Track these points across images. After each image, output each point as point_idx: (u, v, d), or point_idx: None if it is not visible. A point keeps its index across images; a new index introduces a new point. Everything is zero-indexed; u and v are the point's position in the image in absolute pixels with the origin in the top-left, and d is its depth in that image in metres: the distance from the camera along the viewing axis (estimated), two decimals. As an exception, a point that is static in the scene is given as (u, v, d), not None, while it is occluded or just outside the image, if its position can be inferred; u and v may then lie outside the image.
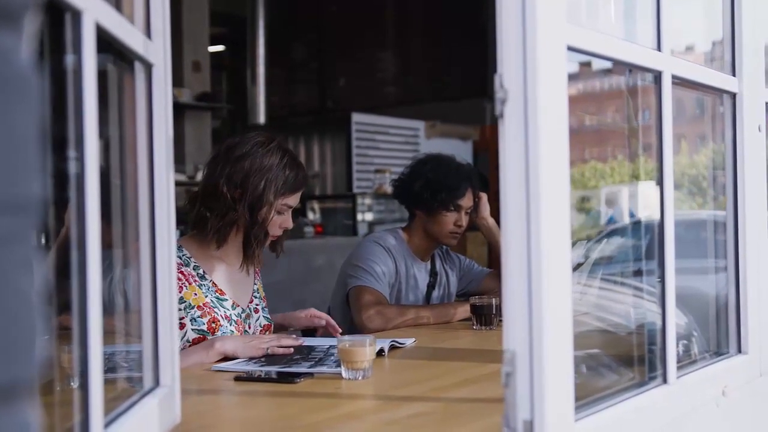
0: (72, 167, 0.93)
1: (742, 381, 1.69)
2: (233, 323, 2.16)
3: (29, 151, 0.53)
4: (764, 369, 1.77)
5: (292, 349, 2.02)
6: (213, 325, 2.11)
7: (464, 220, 2.81)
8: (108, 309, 1.28)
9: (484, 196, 2.90)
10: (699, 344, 1.75)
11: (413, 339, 2.25)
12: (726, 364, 1.69)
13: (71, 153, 0.93)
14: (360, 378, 1.73)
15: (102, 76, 1.02)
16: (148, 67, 1.27)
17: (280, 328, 2.40)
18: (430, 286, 2.90)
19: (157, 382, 1.30)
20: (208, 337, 2.07)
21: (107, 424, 1.02)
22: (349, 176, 7.94)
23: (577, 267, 2.08)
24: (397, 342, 2.15)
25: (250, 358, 1.96)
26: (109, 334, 1.29)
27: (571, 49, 1.16)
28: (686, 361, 1.62)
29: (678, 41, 1.71)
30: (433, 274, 2.91)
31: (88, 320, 0.93)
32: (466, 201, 2.80)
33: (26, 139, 0.53)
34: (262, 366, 1.88)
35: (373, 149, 7.96)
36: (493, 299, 2.48)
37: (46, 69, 0.90)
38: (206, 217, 2.13)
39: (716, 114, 1.80)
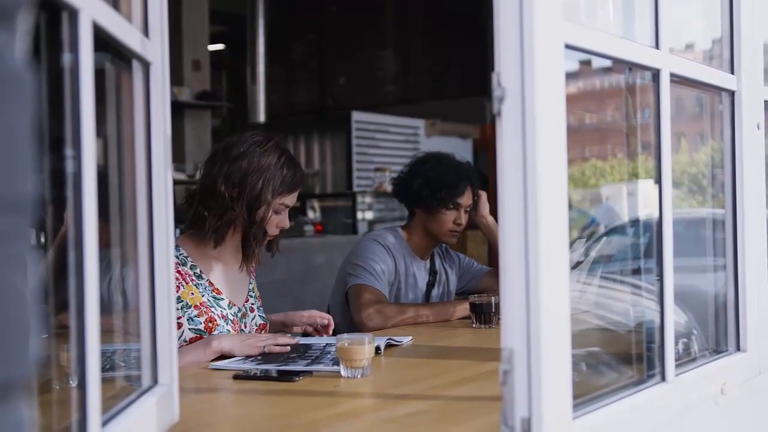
0: (69, 166, 0.93)
1: (740, 379, 1.69)
2: (230, 322, 2.16)
3: (23, 150, 0.53)
4: (763, 367, 1.77)
5: (288, 348, 2.02)
6: (210, 324, 2.11)
7: (464, 219, 2.81)
8: (107, 308, 1.28)
9: (483, 195, 2.90)
10: (699, 342, 1.75)
11: (410, 337, 2.25)
12: (725, 362, 1.69)
13: (69, 152, 0.93)
14: (359, 376, 1.74)
15: (100, 75, 1.02)
16: (146, 65, 1.27)
17: (281, 328, 2.40)
18: (430, 285, 2.90)
19: (155, 380, 1.30)
20: (205, 337, 2.07)
21: (105, 423, 1.02)
22: (349, 175, 7.93)
23: (576, 265, 2.08)
24: (393, 340, 2.16)
25: (247, 357, 1.97)
26: (108, 334, 1.29)
27: (568, 47, 1.16)
28: (686, 359, 1.62)
29: (678, 39, 1.70)
30: (432, 272, 2.91)
31: (85, 319, 0.93)
32: (466, 199, 2.80)
33: (20, 138, 0.53)
34: (259, 364, 1.88)
35: (373, 148, 7.96)
36: (493, 297, 2.48)
37: (43, 68, 0.90)
38: (204, 216, 2.13)
39: (715, 112, 1.80)
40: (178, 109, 6.78)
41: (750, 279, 1.73)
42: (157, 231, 1.29)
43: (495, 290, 2.68)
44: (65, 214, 0.95)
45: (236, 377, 1.79)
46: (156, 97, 1.29)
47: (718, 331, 1.79)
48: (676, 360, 1.47)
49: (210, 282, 2.17)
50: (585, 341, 1.61)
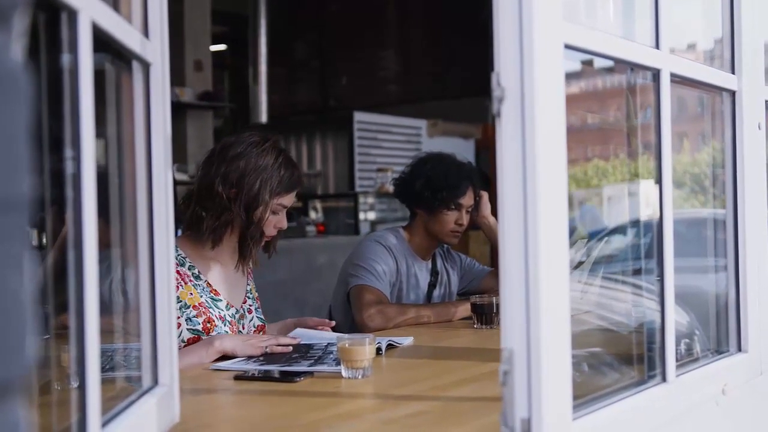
0: (69, 167, 0.93)
1: (742, 379, 1.69)
2: (227, 324, 2.16)
3: (20, 151, 0.53)
4: (764, 367, 1.77)
5: (290, 348, 2.02)
6: (208, 325, 2.11)
7: (465, 219, 2.81)
8: (108, 309, 1.28)
9: (485, 195, 2.90)
10: (701, 343, 1.75)
11: (411, 338, 2.25)
12: (726, 363, 1.69)
13: (68, 153, 0.93)
14: (360, 377, 1.74)
15: (100, 76, 1.02)
16: (146, 66, 1.27)
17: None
18: (432, 285, 2.90)
19: (155, 381, 1.30)
20: (203, 337, 2.07)
21: (105, 423, 1.03)
22: (351, 175, 7.93)
23: (578, 265, 2.08)
24: (394, 342, 2.15)
25: (249, 357, 1.97)
26: (110, 334, 1.29)
27: (568, 47, 1.16)
28: (688, 359, 1.61)
29: (679, 39, 1.70)
30: (434, 273, 2.91)
31: (85, 319, 0.93)
32: (467, 200, 2.80)
33: (17, 139, 0.53)
34: (261, 365, 1.88)
35: (375, 148, 7.95)
36: (494, 298, 2.48)
37: (43, 69, 0.90)
38: (202, 217, 2.13)
39: (717, 112, 1.80)
40: (180, 109, 6.78)
41: (751, 279, 1.73)
42: (158, 232, 1.29)
43: (496, 291, 2.67)
44: (66, 215, 0.95)
45: (237, 378, 1.79)
46: (156, 97, 1.29)
47: (719, 331, 1.78)
48: (678, 360, 1.47)
49: (208, 283, 2.17)
50: (586, 341, 1.61)
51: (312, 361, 1.90)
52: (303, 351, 2.02)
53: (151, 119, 1.28)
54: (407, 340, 2.22)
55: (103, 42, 1.04)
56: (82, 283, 0.93)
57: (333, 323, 2.34)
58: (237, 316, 2.22)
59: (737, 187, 1.72)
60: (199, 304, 2.12)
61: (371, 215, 7.31)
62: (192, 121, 7.23)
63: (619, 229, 2.19)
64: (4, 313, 0.52)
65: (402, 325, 2.56)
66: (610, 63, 1.47)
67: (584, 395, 1.25)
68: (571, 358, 1.14)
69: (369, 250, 2.74)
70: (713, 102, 1.80)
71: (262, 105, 8.20)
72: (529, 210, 1.08)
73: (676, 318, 1.47)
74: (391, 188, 3.90)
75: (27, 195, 0.54)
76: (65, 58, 0.94)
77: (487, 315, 2.47)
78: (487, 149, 7.61)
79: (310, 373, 1.78)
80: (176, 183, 4.89)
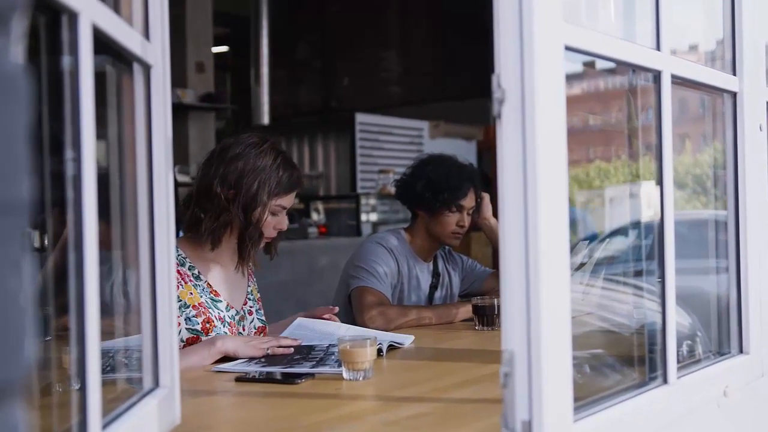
0: (70, 169, 0.93)
1: (743, 381, 1.69)
2: (227, 325, 2.16)
3: (19, 153, 0.53)
4: (766, 369, 1.77)
5: (292, 349, 2.02)
6: (207, 325, 2.11)
7: (466, 221, 2.81)
8: (110, 311, 1.28)
9: (486, 197, 2.90)
10: (702, 344, 1.75)
11: (412, 337, 2.25)
12: (727, 365, 1.68)
13: (69, 155, 0.93)
14: (361, 379, 1.74)
15: (100, 78, 1.02)
16: (147, 68, 1.27)
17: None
18: (433, 287, 2.90)
19: (156, 383, 1.30)
20: (202, 338, 2.08)
21: (106, 425, 1.03)
22: (353, 176, 7.94)
23: (579, 267, 2.08)
24: (395, 343, 2.15)
25: (251, 359, 1.97)
26: (111, 336, 1.30)
27: (568, 48, 1.16)
28: (689, 361, 1.61)
29: (681, 41, 1.70)
30: (435, 274, 2.91)
31: (86, 321, 0.93)
32: (468, 201, 2.80)
33: (16, 140, 0.53)
34: (262, 366, 1.88)
35: (377, 149, 7.96)
36: (495, 299, 2.47)
37: (44, 70, 0.90)
38: (201, 218, 2.13)
39: (719, 113, 1.80)
40: (181, 111, 6.78)
41: (752, 280, 1.73)
42: (159, 234, 1.29)
43: (498, 292, 2.66)
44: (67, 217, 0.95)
45: (238, 379, 1.79)
46: (157, 99, 1.29)
47: (720, 333, 1.78)
48: (679, 362, 1.46)
49: (208, 283, 2.17)
50: (587, 343, 1.61)
51: (314, 362, 1.90)
52: (304, 352, 2.02)
53: (151, 121, 1.28)
54: (408, 339, 2.22)
55: (103, 44, 1.04)
56: (82, 284, 0.93)
57: (336, 309, 2.34)
58: (237, 317, 2.22)
59: (738, 188, 1.72)
60: (198, 304, 2.12)
61: (373, 217, 7.31)
62: (194, 122, 7.23)
63: (620, 231, 2.19)
64: (3, 315, 0.53)
65: (403, 327, 2.56)
66: (610, 64, 1.47)
67: (585, 397, 1.24)
68: (572, 359, 1.14)
69: (370, 252, 2.74)
70: (714, 103, 1.80)
71: (264, 106, 8.20)
72: (529, 211, 1.08)
73: (677, 319, 1.46)
74: (392, 190, 3.90)
75: (26, 197, 0.55)
76: (66, 60, 0.94)
77: (488, 316, 2.47)
78: (488, 151, 7.61)
79: (312, 375, 1.78)
80: (178, 184, 4.89)
